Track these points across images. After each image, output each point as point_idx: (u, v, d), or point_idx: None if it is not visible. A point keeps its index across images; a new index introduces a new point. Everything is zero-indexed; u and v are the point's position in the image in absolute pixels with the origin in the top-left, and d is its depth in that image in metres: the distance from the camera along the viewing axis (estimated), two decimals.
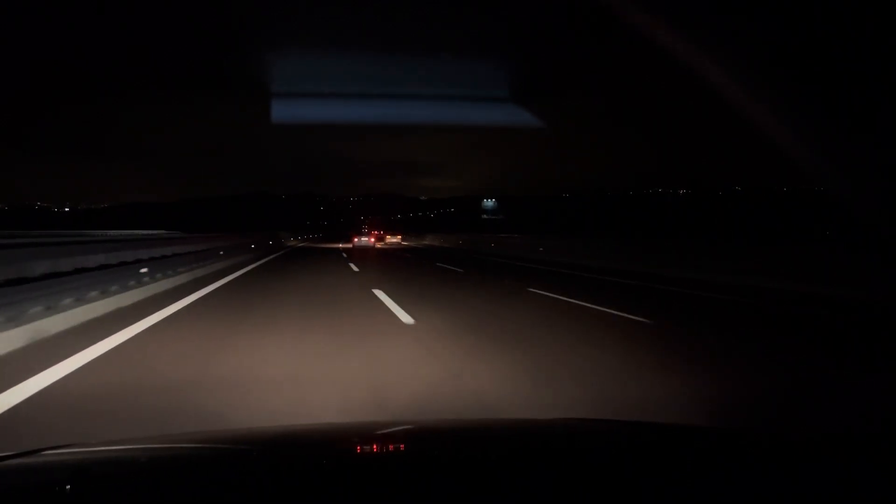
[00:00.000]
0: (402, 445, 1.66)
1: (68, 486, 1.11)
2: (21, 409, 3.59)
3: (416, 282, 13.46)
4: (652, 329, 7.03)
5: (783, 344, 6.43)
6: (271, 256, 23.50)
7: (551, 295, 10.35)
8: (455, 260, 23.02)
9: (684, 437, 1.71)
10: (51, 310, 6.41)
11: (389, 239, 51.58)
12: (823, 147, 2.07)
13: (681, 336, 6.78)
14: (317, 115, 11.71)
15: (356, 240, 40.58)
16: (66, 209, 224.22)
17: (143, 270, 10.00)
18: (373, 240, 42.50)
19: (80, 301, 7.21)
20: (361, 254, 28.32)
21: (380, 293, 10.11)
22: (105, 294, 7.99)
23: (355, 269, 17.12)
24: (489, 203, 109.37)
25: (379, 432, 1.81)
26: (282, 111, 9.93)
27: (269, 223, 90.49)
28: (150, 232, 24.28)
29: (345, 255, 26.49)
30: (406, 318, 7.39)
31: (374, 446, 1.62)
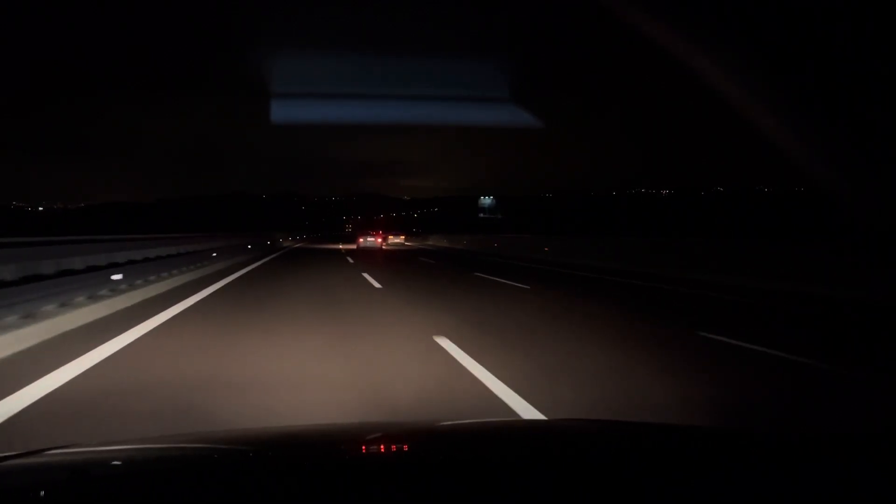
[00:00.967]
0: (401, 446, 1.63)
1: (70, 487, 1.11)
2: None
3: (486, 312, 8.69)
4: None
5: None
6: (275, 256, 23.33)
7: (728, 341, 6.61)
8: (496, 269, 18.29)
9: (684, 437, 1.72)
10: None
11: (392, 239, 49.34)
12: (819, 147, 2.09)
13: None
14: (316, 116, 11.62)
15: (361, 240, 38.17)
16: (41, 208, 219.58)
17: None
18: (379, 240, 39.77)
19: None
20: (370, 258, 24.74)
21: (450, 346, 5.90)
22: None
23: (377, 284, 12.57)
24: (486, 200, 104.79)
25: (378, 433, 1.79)
26: (280, 112, 9.81)
27: (250, 224, 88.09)
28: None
29: (349, 259, 23.55)
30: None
31: (374, 447, 1.58)
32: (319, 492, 1.13)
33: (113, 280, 8.75)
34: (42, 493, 1.10)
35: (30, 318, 6.13)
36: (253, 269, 16.76)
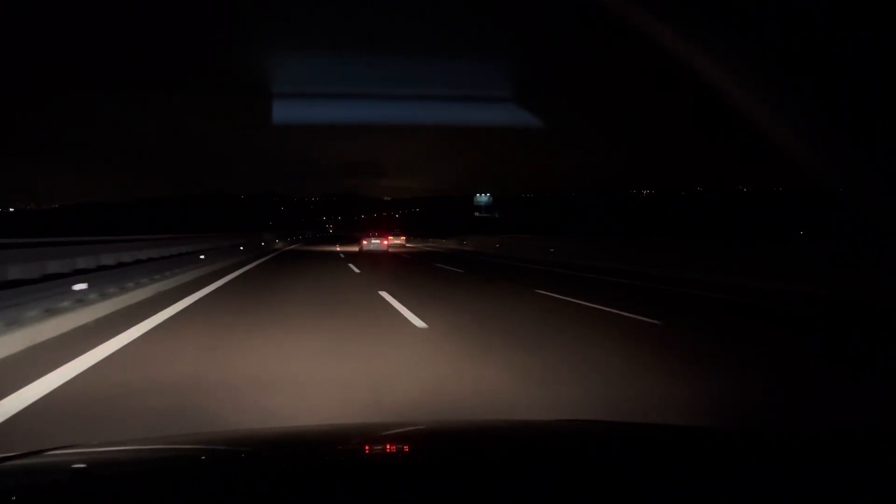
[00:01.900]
0: (402, 446, 1.63)
1: (70, 487, 1.11)
2: None
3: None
4: None
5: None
6: (266, 260, 20.64)
7: None
8: (551, 280, 14.44)
9: (684, 437, 1.71)
10: None
11: (392, 240, 44.64)
12: (818, 146, 2.26)
13: None
14: (318, 116, 11.58)
15: (365, 242, 34.60)
16: (12, 209, 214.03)
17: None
18: (385, 243, 36.10)
19: None
20: (377, 265, 20.43)
21: None
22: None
23: (420, 323, 7.45)
24: (483, 198, 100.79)
25: (379, 433, 1.80)
26: (282, 112, 9.65)
27: (228, 224, 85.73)
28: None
29: (354, 268, 18.64)
30: None
31: (375, 447, 1.58)
32: (319, 493, 1.13)
33: (76, 291, 7.53)
34: (44, 493, 1.11)
35: None
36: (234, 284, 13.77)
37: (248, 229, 47.17)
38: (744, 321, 8.94)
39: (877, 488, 1.18)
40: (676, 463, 1.37)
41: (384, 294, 10.73)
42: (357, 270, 17.81)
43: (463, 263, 22.52)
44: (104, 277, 8.75)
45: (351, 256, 26.64)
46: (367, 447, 1.56)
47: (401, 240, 48.00)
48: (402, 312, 8.48)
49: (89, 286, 7.94)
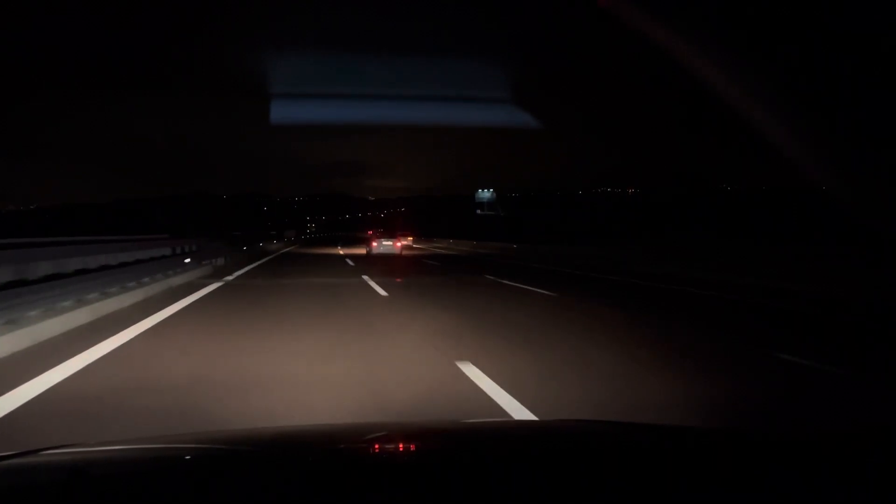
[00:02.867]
0: (402, 447, 1.62)
1: (67, 487, 1.10)
2: None
3: None
4: None
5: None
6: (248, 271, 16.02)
7: None
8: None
9: (684, 437, 1.71)
10: None
11: (404, 242, 40.49)
12: (817, 145, 2.10)
13: None
14: (315, 117, 11.38)
15: (375, 244, 28.50)
16: None
17: None
18: (398, 245, 29.87)
19: None
20: (404, 278, 16.44)
21: None
22: None
23: None
24: (485, 194, 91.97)
25: (378, 434, 1.75)
26: (280, 112, 9.49)
27: (211, 225, 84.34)
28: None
29: (379, 288, 12.93)
30: None
31: (374, 447, 1.56)
32: (318, 492, 1.11)
33: None
34: (41, 493, 1.10)
35: None
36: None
37: (229, 230, 43.84)
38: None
39: (877, 488, 1.17)
40: (675, 463, 1.37)
41: (468, 370, 5.25)
42: (384, 293, 12.17)
43: (548, 281, 15.44)
44: None
45: (360, 263, 22.97)
46: (366, 447, 1.55)
47: (408, 240, 44.47)
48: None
49: None
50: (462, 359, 5.78)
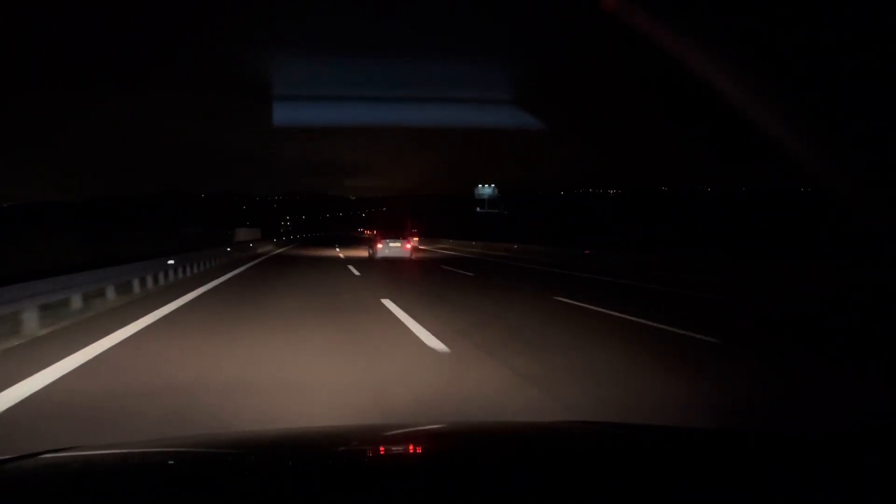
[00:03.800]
0: (402, 448, 1.61)
1: (68, 490, 1.10)
2: None
3: None
4: None
5: None
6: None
7: None
8: None
9: (685, 438, 1.71)
10: None
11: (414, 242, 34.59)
12: (817, 145, 2.06)
13: None
14: (317, 118, 11.41)
15: (380, 246, 24.08)
16: None
17: None
18: (409, 246, 25.23)
19: None
20: (436, 297, 11.79)
21: None
22: None
23: None
24: (486, 190, 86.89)
25: (379, 435, 1.77)
26: (281, 114, 9.43)
27: (188, 224, 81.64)
28: None
29: (438, 343, 6.80)
30: None
31: (375, 449, 1.56)
32: (320, 494, 1.11)
33: None
34: (40, 496, 1.09)
35: None
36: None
37: (211, 229, 40.59)
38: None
39: (877, 488, 1.16)
40: (677, 464, 1.35)
41: None
42: (445, 349, 6.63)
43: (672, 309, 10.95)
44: None
45: (368, 273, 17.88)
46: (368, 449, 1.55)
47: (414, 241, 41.43)
48: None
49: None
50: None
